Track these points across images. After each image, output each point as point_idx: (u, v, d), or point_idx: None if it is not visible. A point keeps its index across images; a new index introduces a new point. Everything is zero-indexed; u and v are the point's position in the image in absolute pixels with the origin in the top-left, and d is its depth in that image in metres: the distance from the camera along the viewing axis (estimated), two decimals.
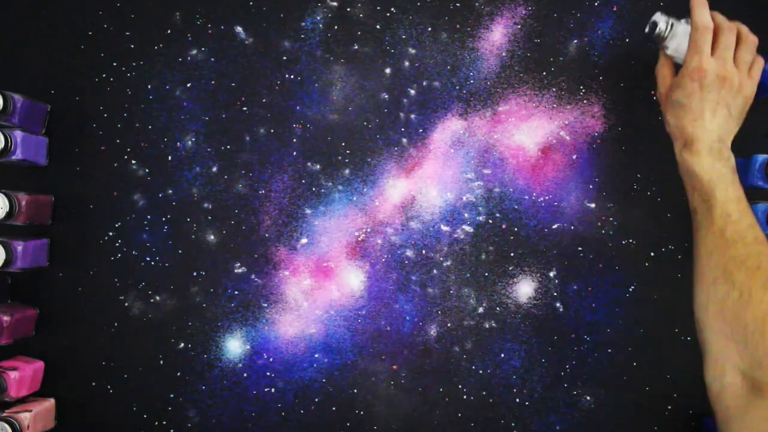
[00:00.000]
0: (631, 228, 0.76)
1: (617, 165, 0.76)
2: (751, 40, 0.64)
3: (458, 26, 0.77)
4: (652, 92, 0.76)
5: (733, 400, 0.54)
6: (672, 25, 0.64)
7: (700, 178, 0.60)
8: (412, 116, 0.76)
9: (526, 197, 0.76)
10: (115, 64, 0.76)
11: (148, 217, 0.76)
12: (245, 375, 0.76)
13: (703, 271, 0.58)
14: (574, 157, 0.77)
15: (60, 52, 0.76)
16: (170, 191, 0.76)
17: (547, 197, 0.76)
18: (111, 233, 0.75)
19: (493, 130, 0.77)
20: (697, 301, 0.58)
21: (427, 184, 0.76)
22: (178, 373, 0.75)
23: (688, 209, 0.77)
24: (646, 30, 0.65)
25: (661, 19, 0.64)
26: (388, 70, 0.77)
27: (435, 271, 0.76)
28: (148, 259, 0.76)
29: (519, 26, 0.77)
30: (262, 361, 0.76)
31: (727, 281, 0.56)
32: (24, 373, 0.69)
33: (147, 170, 0.76)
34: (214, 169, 0.76)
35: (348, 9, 0.76)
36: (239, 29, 0.76)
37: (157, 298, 0.75)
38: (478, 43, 0.77)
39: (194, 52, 0.76)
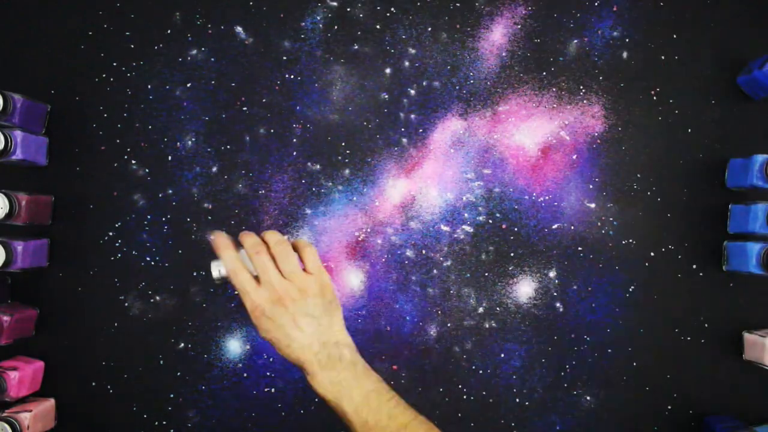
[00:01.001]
0: (631, 228, 0.76)
1: (617, 165, 0.76)
2: (278, 245, 0.61)
3: (458, 26, 0.77)
4: (652, 92, 0.77)
5: None
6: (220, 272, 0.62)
7: (328, 400, 0.60)
8: (412, 116, 0.76)
9: (526, 197, 0.76)
10: (115, 64, 0.76)
11: (148, 217, 0.76)
12: (245, 375, 0.76)
13: None
14: (574, 157, 0.77)
15: (60, 52, 0.76)
16: (170, 191, 0.76)
17: (547, 197, 0.76)
18: (111, 233, 0.75)
19: (493, 130, 0.77)
20: None
21: (427, 184, 0.76)
22: (178, 373, 0.75)
23: (688, 209, 0.78)
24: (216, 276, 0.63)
25: (214, 268, 0.63)
26: (388, 70, 0.77)
27: (435, 271, 0.76)
28: (148, 259, 0.76)
29: (519, 26, 0.77)
30: (262, 361, 0.76)
31: None
32: (24, 373, 0.69)
33: (147, 170, 0.76)
34: (214, 169, 0.76)
35: (348, 9, 0.76)
36: (239, 29, 0.76)
37: (157, 298, 0.75)
38: (478, 43, 0.77)
39: (194, 52, 0.76)
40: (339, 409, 0.60)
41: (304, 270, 0.62)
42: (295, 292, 0.60)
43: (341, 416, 0.60)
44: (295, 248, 0.63)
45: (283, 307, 0.60)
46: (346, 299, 0.76)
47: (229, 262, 0.61)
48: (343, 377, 0.59)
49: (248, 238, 0.62)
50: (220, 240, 0.62)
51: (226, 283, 0.63)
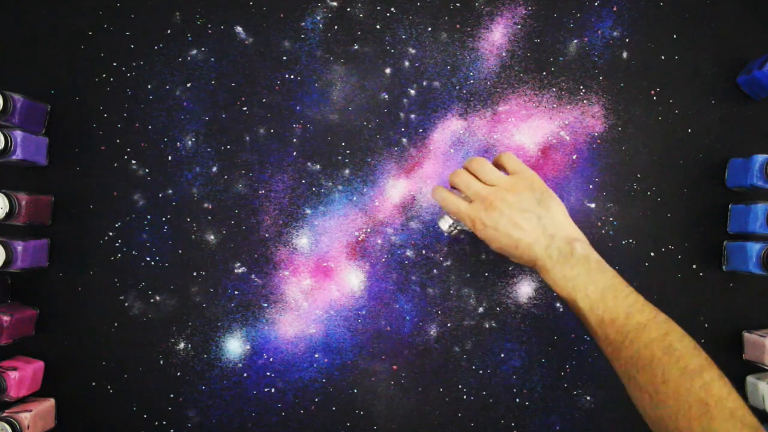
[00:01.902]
0: (631, 228, 0.76)
1: (617, 165, 0.76)
2: (473, 163, 0.64)
3: (458, 26, 0.77)
4: (652, 92, 0.77)
5: None
6: (448, 222, 0.69)
7: (563, 297, 0.58)
8: (412, 116, 0.76)
9: None
10: (115, 64, 0.76)
11: (148, 217, 0.76)
12: (245, 375, 0.76)
13: (623, 384, 0.54)
14: (574, 157, 0.77)
15: (60, 52, 0.76)
16: (170, 191, 0.76)
17: None
18: (111, 233, 0.75)
19: (493, 130, 0.77)
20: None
21: (427, 184, 0.76)
22: (178, 373, 0.75)
23: (688, 209, 0.77)
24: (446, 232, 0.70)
25: (443, 227, 0.69)
26: (388, 70, 0.77)
27: (435, 271, 0.76)
28: (148, 259, 0.76)
29: (519, 26, 0.77)
30: (262, 361, 0.76)
31: (636, 387, 0.52)
32: (24, 373, 0.69)
33: (147, 170, 0.76)
34: (214, 169, 0.76)
35: (348, 9, 0.76)
36: (239, 29, 0.76)
37: (157, 298, 0.75)
38: (478, 43, 0.77)
39: (194, 52, 0.76)
40: (573, 305, 0.56)
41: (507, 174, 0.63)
42: (503, 192, 0.60)
43: (576, 312, 0.57)
44: (496, 163, 0.65)
45: (497, 211, 0.59)
46: (346, 299, 0.76)
47: (438, 195, 0.64)
48: (577, 272, 0.56)
49: (451, 176, 0.65)
50: (434, 189, 0.66)
51: (458, 231, 0.69)
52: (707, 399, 0.47)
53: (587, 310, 0.55)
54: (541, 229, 0.59)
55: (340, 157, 0.76)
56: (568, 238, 0.58)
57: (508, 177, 0.62)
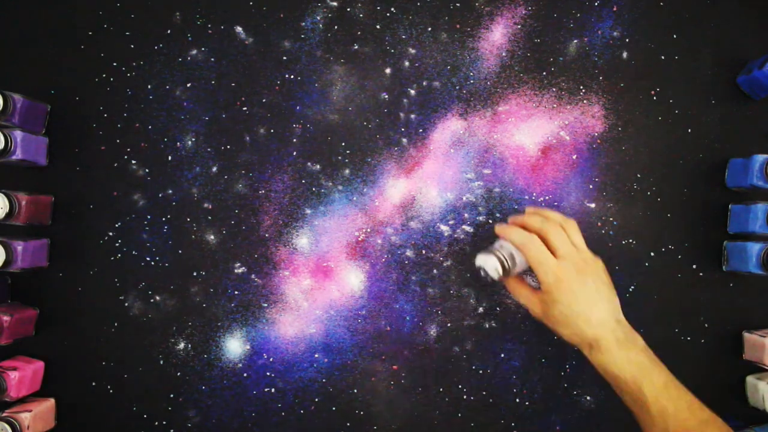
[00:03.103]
0: (631, 228, 0.76)
1: (617, 165, 0.76)
2: (567, 223, 0.64)
3: (458, 26, 0.77)
4: (652, 92, 0.77)
5: None
6: (500, 264, 0.63)
7: (623, 379, 0.57)
8: (412, 116, 0.76)
9: (526, 197, 0.76)
10: (115, 64, 0.76)
11: (148, 217, 0.76)
12: (245, 375, 0.76)
13: None
14: (574, 157, 0.77)
15: (60, 52, 0.76)
16: (170, 191, 0.76)
17: (547, 197, 0.76)
18: (111, 233, 0.75)
19: (493, 130, 0.77)
20: None
21: (427, 184, 0.76)
22: (178, 373, 0.75)
23: (688, 209, 0.77)
24: (482, 274, 0.64)
25: (485, 265, 0.63)
26: (388, 70, 0.77)
27: (435, 271, 0.76)
28: (148, 259, 0.76)
29: (519, 26, 0.77)
30: (262, 361, 0.76)
31: None
32: (24, 373, 0.69)
33: (147, 170, 0.76)
34: (214, 169, 0.76)
35: (348, 9, 0.76)
36: (239, 29, 0.76)
37: (157, 298, 0.75)
38: (478, 43, 0.77)
39: (194, 52, 0.76)
40: (637, 390, 0.56)
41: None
42: (593, 263, 0.60)
43: (635, 397, 0.57)
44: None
45: (588, 277, 0.59)
46: (346, 299, 0.76)
47: (521, 237, 0.61)
48: (642, 359, 0.57)
49: (533, 218, 0.63)
50: (503, 227, 0.63)
51: (503, 274, 0.63)
52: None
53: (652, 396, 0.56)
54: (612, 312, 0.60)
55: (340, 157, 0.76)
56: (630, 327, 0.60)
57: (586, 251, 0.62)
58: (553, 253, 0.61)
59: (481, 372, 0.76)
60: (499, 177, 0.76)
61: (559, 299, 0.60)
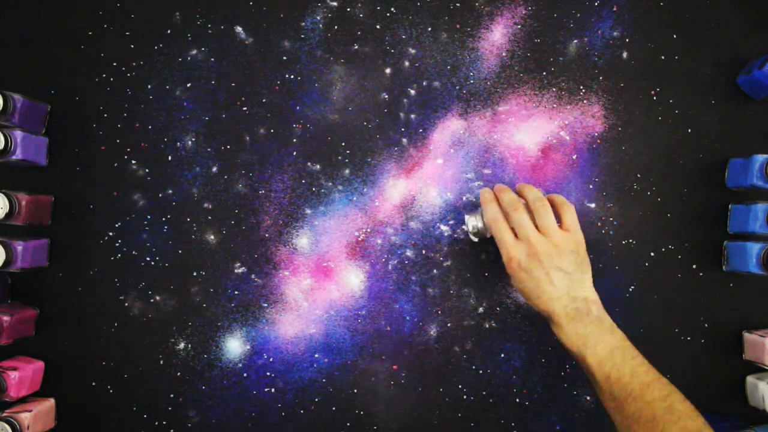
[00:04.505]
0: (631, 228, 0.76)
1: (617, 165, 0.76)
2: (536, 201, 0.66)
3: (458, 26, 0.77)
4: (652, 92, 0.77)
5: None
6: (477, 229, 0.71)
7: (570, 349, 0.62)
8: (412, 116, 0.76)
9: None
10: (115, 64, 0.76)
11: (148, 217, 0.76)
12: (245, 375, 0.76)
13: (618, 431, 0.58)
14: (574, 157, 0.77)
15: (60, 52, 0.76)
16: (170, 191, 0.76)
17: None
18: (111, 233, 0.75)
19: (493, 130, 0.77)
20: None
21: (427, 184, 0.76)
22: (178, 373, 0.75)
23: (688, 209, 0.77)
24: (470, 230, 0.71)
25: (468, 224, 0.71)
26: (388, 70, 0.77)
27: (435, 271, 0.76)
28: (148, 259, 0.76)
29: (519, 26, 0.77)
30: (262, 361, 0.76)
31: None
32: (24, 373, 0.69)
33: (147, 170, 0.76)
34: (214, 169, 0.76)
35: (348, 9, 0.76)
36: (239, 29, 0.76)
37: (157, 298, 0.75)
38: (478, 43, 0.77)
39: (194, 52, 0.76)
40: (582, 361, 0.61)
41: (560, 227, 0.65)
42: (551, 247, 0.63)
43: (584, 368, 0.62)
44: (553, 204, 0.66)
45: (538, 262, 0.63)
46: (346, 299, 0.76)
47: (490, 213, 0.66)
48: (590, 331, 0.61)
49: (506, 194, 0.66)
50: (485, 194, 0.68)
51: (478, 236, 0.71)
52: None
53: (595, 366, 0.60)
54: (567, 289, 0.63)
55: (340, 157, 0.76)
56: (587, 299, 0.63)
57: (561, 234, 0.64)
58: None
59: (481, 372, 0.76)
60: (499, 177, 0.76)
61: (512, 275, 0.65)
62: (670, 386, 0.58)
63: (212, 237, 0.76)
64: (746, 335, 0.73)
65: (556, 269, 0.63)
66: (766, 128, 0.76)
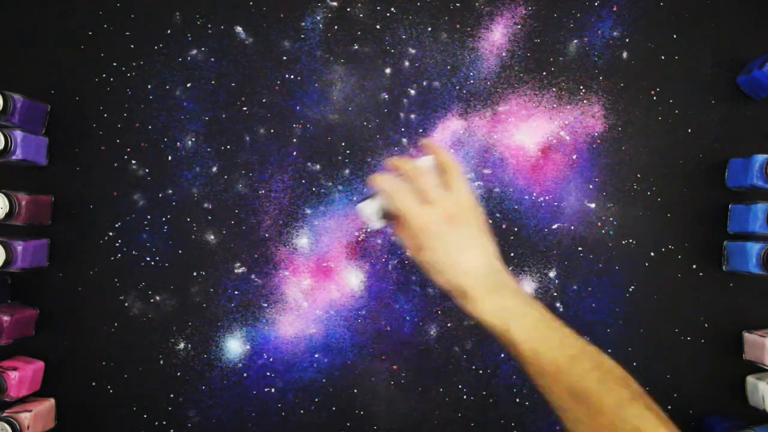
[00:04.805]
0: (631, 228, 0.76)
1: (617, 165, 0.76)
2: (410, 170, 0.58)
3: (458, 26, 0.77)
4: (652, 92, 0.77)
5: None
6: (378, 210, 0.60)
7: (492, 325, 0.55)
8: (412, 116, 0.76)
9: (526, 197, 0.76)
10: (115, 64, 0.76)
11: (148, 217, 0.76)
12: (245, 375, 0.76)
13: (558, 417, 0.53)
14: (574, 157, 0.77)
15: (60, 52, 0.76)
16: (170, 191, 0.76)
17: (547, 197, 0.76)
18: (111, 233, 0.75)
19: (493, 130, 0.77)
20: None
21: None
22: (178, 373, 0.75)
23: (688, 209, 0.77)
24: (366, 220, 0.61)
25: (365, 211, 0.60)
26: (388, 70, 0.77)
27: None
28: (148, 259, 0.76)
29: (519, 26, 0.77)
30: (262, 361, 0.76)
31: (571, 419, 0.51)
32: (24, 373, 0.69)
33: (147, 170, 0.76)
34: (214, 169, 0.76)
35: (348, 9, 0.76)
36: (239, 29, 0.76)
37: (157, 298, 0.75)
38: (478, 43, 0.77)
39: (194, 52, 0.76)
40: (506, 336, 0.54)
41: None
42: (436, 217, 0.56)
43: (507, 344, 0.55)
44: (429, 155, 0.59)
45: (454, 226, 0.56)
46: (346, 299, 0.76)
47: (388, 183, 0.57)
48: (512, 304, 0.55)
49: (405, 164, 0.58)
50: (375, 178, 0.59)
51: (381, 222, 0.59)
52: (642, 427, 0.49)
53: (521, 341, 0.54)
54: (482, 259, 0.57)
55: (340, 157, 0.76)
56: (502, 270, 0.57)
57: (466, 191, 0.58)
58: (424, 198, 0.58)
59: (481, 372, 0.76)
60: (499, 177, 0.76)
61: (426, 245, 0.57)
62: (599, 354, 0.54)
63: (212, 237, 0.76)
64: (746, 335, 0.73)
65: (470, 236, 0.56)
66: (766, 128, 0.76)
